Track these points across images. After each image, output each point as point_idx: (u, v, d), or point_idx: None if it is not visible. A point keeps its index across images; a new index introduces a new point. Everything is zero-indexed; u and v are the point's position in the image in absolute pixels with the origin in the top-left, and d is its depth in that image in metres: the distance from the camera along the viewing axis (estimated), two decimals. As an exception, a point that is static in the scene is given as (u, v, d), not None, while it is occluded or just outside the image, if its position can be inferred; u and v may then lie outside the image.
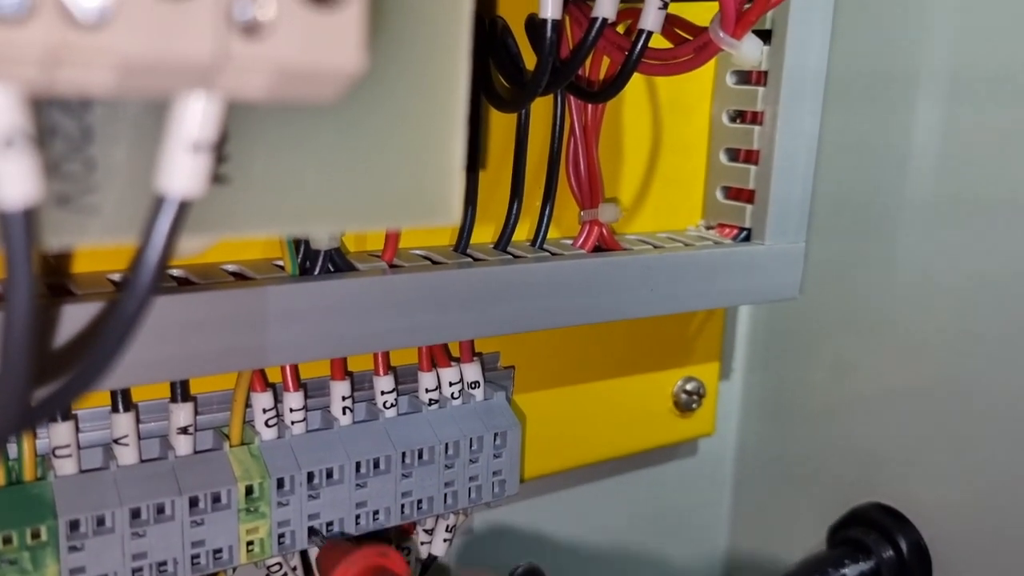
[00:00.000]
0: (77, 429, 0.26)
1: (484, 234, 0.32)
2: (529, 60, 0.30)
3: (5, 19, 0.12)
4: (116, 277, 0.25)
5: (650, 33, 0.27)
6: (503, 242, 0.31)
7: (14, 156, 0.13)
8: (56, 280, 0.24)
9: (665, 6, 0.27)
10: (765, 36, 0.33)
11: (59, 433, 0.25)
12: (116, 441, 0.26)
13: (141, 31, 0.12)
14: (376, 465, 0.29)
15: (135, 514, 0.25)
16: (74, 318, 0.21)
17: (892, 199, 0.36)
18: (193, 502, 0.26)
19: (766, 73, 0.33)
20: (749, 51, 0.27)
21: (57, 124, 0.15)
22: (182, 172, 0.15)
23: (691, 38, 0.28)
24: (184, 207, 0.15)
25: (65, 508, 0.24)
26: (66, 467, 0.25)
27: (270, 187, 0.17)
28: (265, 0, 0.13)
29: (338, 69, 0.14)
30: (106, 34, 0.12)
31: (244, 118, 0.16)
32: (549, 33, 0.26)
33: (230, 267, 0.27)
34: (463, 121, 0.18)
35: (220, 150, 0.16)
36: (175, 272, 0.26)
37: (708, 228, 0.36)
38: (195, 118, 0.14)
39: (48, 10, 0.12)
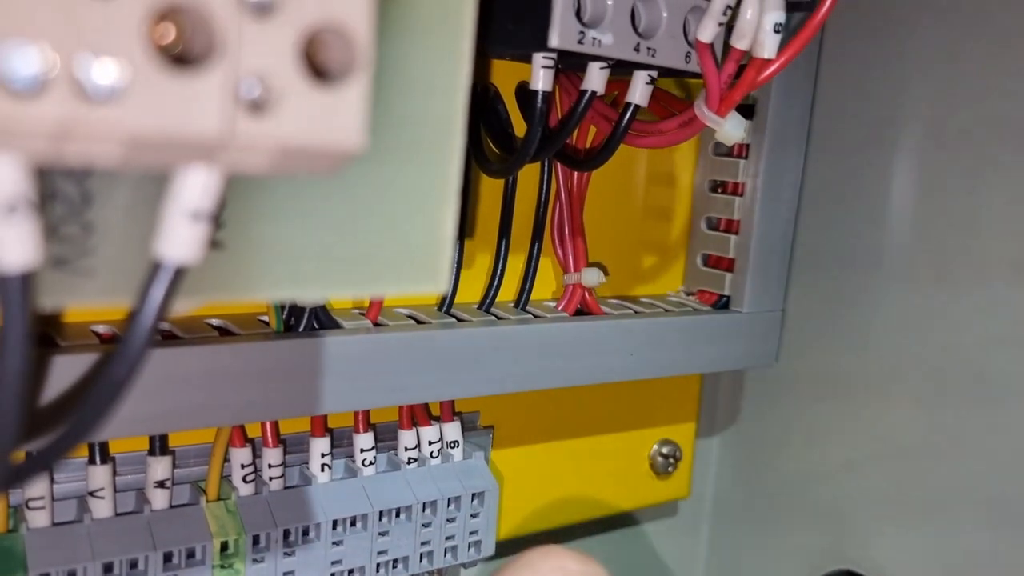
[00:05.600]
0: (52, 480, 0.25)
1: (469, 293, 0.32)
2: (518, 125, 0.31)
3: (18, 93, 0.12)
4: (100, 328, 0.25)
5: (637, 107, 0.28)
6: (487, 303, 0.32)
7: (16, 222, 0.13)
8: (40, 329, 0.24)
9: (652, 81, 0.28)
10: (747, 110, 0.34)
11: (33, 484, 0.25)
12: (91, 494, 0.26)
13: (151, 108, 0.13)
14: (353, 523, 0.29)
15: (107, 569, 0.25)
16: (60, 372, 0.21)
17: (868, 270, 0.37)
18: (167, 557, 0.26)
19: (748, 145, 0.34)
20: (732, 128, 0.27)
21: (58, 188, 0.15)
22: (180, 239, 0.15)
23: (677, 112, 0.29)
24: (180, 273, 0.15)
25: (36, 562, 0.24)
26: (39, 519, 0.25)
27: (264, 253, 0.17)
28: (271, 78, 0.14)
29: (339, 147, 0.14)
30: (116, 110, 0.13)
31: (242, 186, 0.17)
32: (539, 104, 0.27)
33: (215, 321, 0.27)
34: (455, 193, 0.19)
35: (217, 216, 0.17)
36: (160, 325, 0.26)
37: (688, 294, 0.37)
38: (195, 188, 0.15)
39: (60, 86, 0.12)
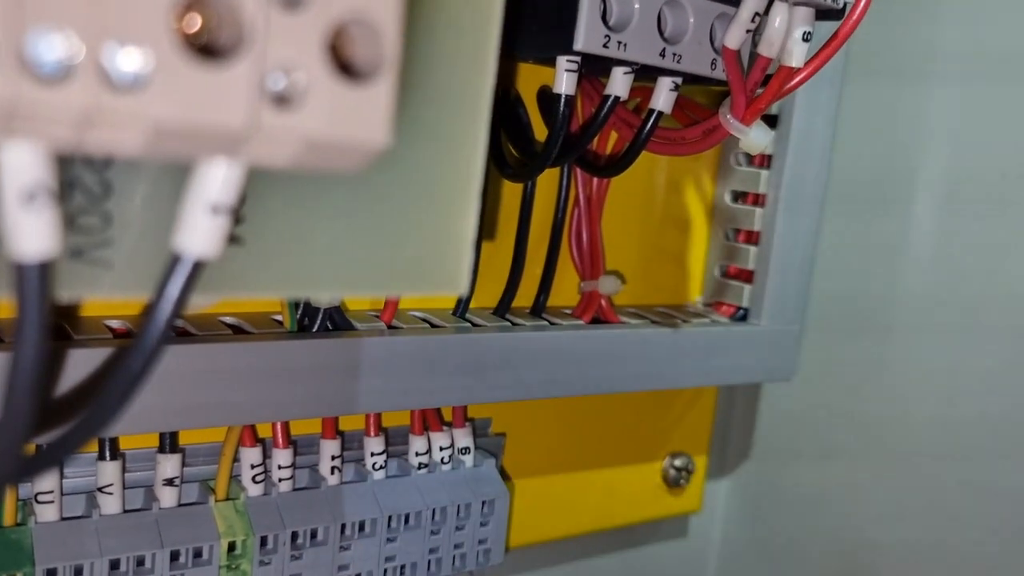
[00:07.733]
0: (61, 475, 0.25)
1: (484, 297, 0.32)
2: (539, 129, 0.30)
3: (43, 79, 0.12)
4: (114, 323, 0.25)
5: (660, 113, 0.28)
6: (502, 308, 0.32)
7: (35, 210, 0.13)
8: (55, 321, 0.24)
9: (677, 88, 0.28)
10: (771, 120, 0.33)
11: (42, 478, 0.25)
12: (100, 489, 0.25)
13: (175, 97, 0.13)
14: (361, 528, 0.29)
15: (114, 565, 0.25)
16: (74, 366, 0.21)
17: (887, 293, 0.37)
18: (174, 556, 0.25)
19: (771, 156, 0.34)
20: (757, 138, 0.27)
21: (78, 177, 0.15)
22: (199, 233, 0.15)
23: (700, 120, 0.29)
24: (198, 267, 0.15)
25: (44, 556, 0.24)
26: (47, 513, 0.25)
27: (283, 250, 0.17)
28: (297, 71, 0.14)
29: (365, 143, 0.14)
30: (140, 98, 0.12)
31: (263, 181, 0.16)
32: (562, 108, 0.27)
33: (228, 319, 0.27)
34: (478, 196, 0.18)
35: (237, 211, 0.16)
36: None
37: (707, 305, 0.36)
38: (217, 181, 0.14)
39: (85, 72, 0.12)
